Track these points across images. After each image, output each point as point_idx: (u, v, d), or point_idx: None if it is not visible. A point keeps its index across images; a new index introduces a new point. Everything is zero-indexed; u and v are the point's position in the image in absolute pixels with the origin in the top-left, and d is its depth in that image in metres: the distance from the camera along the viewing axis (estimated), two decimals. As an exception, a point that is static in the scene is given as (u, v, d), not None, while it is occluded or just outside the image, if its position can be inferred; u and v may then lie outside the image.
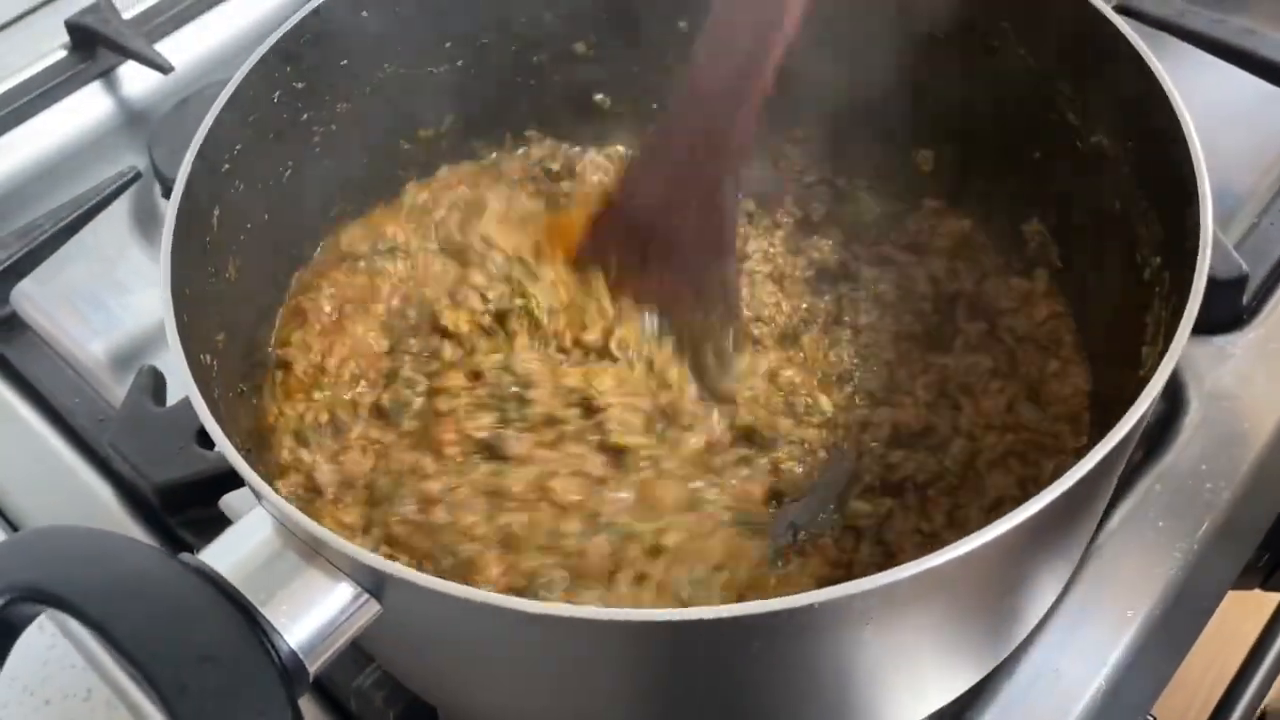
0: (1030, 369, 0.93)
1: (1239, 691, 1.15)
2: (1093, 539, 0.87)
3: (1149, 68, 0.76)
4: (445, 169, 1.07)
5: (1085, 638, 0.84)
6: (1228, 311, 1.00)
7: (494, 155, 1.09)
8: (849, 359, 0.96)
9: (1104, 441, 0.59)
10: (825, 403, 0.92)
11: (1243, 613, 1.10)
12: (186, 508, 0.94)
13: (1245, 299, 1.00)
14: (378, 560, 0.57)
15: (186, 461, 0.93)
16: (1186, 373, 0.97)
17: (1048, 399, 0.91)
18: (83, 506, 0.98)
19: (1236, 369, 0.97)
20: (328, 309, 0.95)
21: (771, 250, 1.04)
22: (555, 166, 1.09)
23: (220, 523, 0.89)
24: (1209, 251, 0.65)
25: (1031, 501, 0.56)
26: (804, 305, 0.99)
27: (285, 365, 0.92)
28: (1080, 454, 0.58)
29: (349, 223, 1.01)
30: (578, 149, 1.10)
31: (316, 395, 0.91)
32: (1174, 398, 0.96)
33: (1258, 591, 1.04)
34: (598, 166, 1.09)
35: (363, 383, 0.92)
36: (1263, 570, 1.04)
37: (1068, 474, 0.57)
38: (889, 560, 0.84)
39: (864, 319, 0.98)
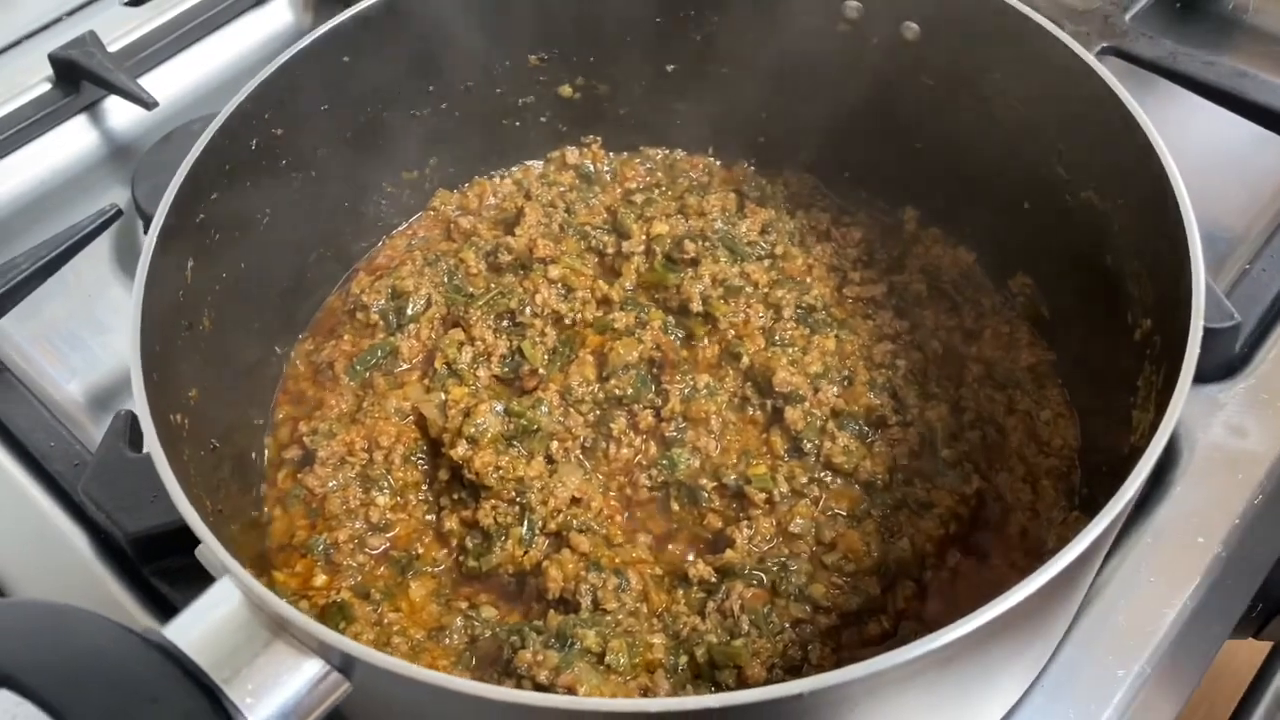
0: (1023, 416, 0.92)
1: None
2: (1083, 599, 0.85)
3: (1139, 125, 0.75)
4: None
5: (1074, 697, 0.82)
6: (1220, 360, 0.98)
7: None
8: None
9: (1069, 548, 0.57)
10: None
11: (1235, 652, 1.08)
12: (161, 557, 0.92)
13: (1237, 346, 0.98)
14: (343, 641, 0.55)
15: (161, 510, 0.90)
16: (1179, 424, 0.95)
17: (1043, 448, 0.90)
18: (57, 554, 0.96)
19: (1228, 419, 0.95)
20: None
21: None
22: None
23: (196, 571, 0.87)
24: (1199, 338, 0.62)
25: (998, 600, 0.55)
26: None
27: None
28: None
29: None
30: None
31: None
32: (1166, 450, 0.94)
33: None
34: None
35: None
36: (1256, 620, 1.02)
37: (1037, 573, 0.56)
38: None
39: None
